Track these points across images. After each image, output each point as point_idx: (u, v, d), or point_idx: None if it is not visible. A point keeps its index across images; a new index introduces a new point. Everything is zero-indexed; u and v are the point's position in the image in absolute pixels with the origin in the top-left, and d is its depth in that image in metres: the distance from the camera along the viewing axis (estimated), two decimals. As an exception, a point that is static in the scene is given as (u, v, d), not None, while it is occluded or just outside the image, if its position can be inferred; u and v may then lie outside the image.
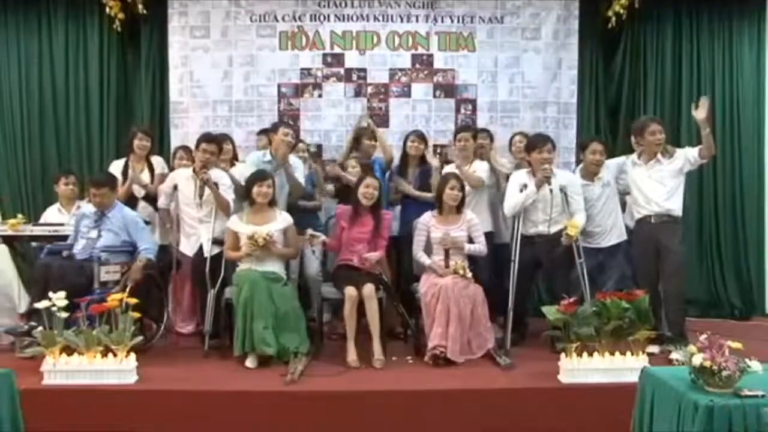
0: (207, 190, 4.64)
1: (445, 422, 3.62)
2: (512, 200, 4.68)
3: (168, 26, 6.02)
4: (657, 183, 4.54)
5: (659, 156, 4.56)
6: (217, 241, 4.63)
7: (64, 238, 4.68)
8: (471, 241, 4.61)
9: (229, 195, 4.69)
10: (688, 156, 4.53)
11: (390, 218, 4.78)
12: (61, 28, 6.20)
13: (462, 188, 4.61)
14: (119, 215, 4.58)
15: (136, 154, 5.20)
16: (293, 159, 4.99)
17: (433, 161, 5.29)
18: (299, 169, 4.95)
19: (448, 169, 5.03)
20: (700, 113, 4.38)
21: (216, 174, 4.70)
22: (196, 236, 4.72)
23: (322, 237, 4.59)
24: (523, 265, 4.57)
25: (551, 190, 4.59)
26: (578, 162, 5.32)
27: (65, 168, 5.70)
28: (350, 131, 5.68)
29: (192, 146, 5.02)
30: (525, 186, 4.64)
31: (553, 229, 4.62)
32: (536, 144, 4.69)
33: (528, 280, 4.72)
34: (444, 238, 4.52)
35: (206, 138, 4.79)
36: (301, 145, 5.37)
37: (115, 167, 5.26)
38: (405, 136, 5.34)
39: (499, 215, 5.08)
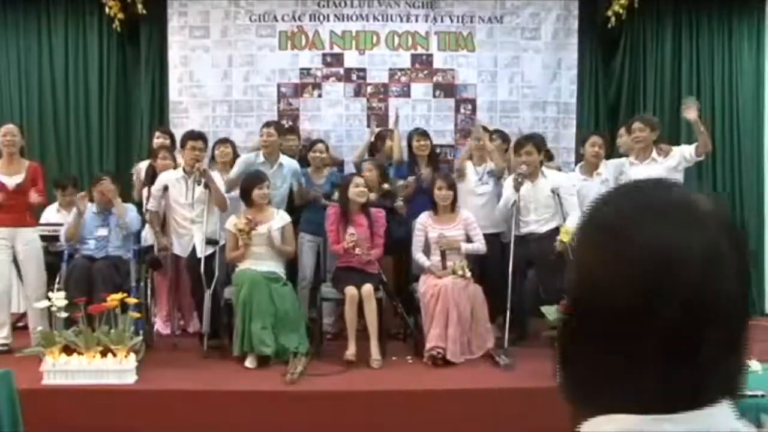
0: (198, 191, 4.61)
1: (444, 422, 3.62)
2: (501, 201, 4.77)
3: (168, 26, 6.01)
4: None
5: (654, 154, 4.61)
6: (210, 241, 4.62)
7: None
8: (469, 240, 4.61)
9: (224, 192, 4.67)
10: (684, 153, 4.57)
11: (383, 215, 4.76)
12: (61, 28, 6.19)
13: (450, 187, 4.61)
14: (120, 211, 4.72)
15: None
16: (288, 161, 4.97)
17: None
18: (297, 173, 4.94)
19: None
20: (690, 114, 4.43)
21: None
22: (188, 237, 4.69)
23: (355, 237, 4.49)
24: (517, 265, 4.58)
25: (528, 193, 4.61)
26: (578, 161, 5.32)
27: (65, 172, 5.74)
28: (370, 132, 5.68)
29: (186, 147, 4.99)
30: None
31: (544, 229, 4.65)
32: (516, 145, 4.81)
33: (522, 278, 4.73)
34: (439, 239, 4.53)
35: (191, 135, 4.80)
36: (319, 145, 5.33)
37: (140, 168, 5.35)
38: (408, 135, 5.33)
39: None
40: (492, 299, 4.50)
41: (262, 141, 4.95)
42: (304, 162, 5.20)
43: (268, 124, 5.04)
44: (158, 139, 5.33)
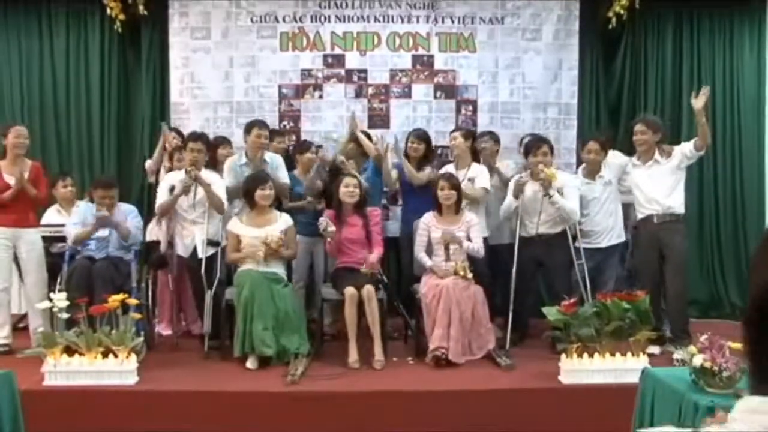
0: (199, 192, 4.62)
1: (445, 422, 3.62)
2: (504, 204, 4.75)
3: (169, 27, 6.01)
4: (656, 182, 4.58)
5: (657, 155, 4.61)
6: (211, 242, 4.62)
7: (64, 239, 4.72)
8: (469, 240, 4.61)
9: (221, 194, 4.67)
10: (684, 150, 4.58)
11: (378, 215, 4.74)
12: (62, 29, 6.19)
13: (453, 188, 4.60)
14: (121, 212, 4.73)
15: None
16: (271, 156, 4.95)
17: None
18: (281, 167, 4.93)
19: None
20: (698, 102, 4.45)
21: (208, 175, 4.69)
22: (190, 238, 4.70)
23: (333, 228, 4.47)
24: (523, 266, 4.57)
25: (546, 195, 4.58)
26: (579, 162, 5.32)
27: (64, 170, 5.72)
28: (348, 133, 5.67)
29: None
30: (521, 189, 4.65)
31: (554, 230, 4.65)
32: (530, 147, 4.76)
33: (528, 280, 4.73)
34: (444, 233, 4.50)
35: (192, 137, 4.78)
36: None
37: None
38: (406, 136, 5.32)
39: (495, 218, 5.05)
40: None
41: (252, 142, 4.89)
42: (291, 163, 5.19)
43: (261, 126, 4.98)
44: (173, 140, 5.27)
